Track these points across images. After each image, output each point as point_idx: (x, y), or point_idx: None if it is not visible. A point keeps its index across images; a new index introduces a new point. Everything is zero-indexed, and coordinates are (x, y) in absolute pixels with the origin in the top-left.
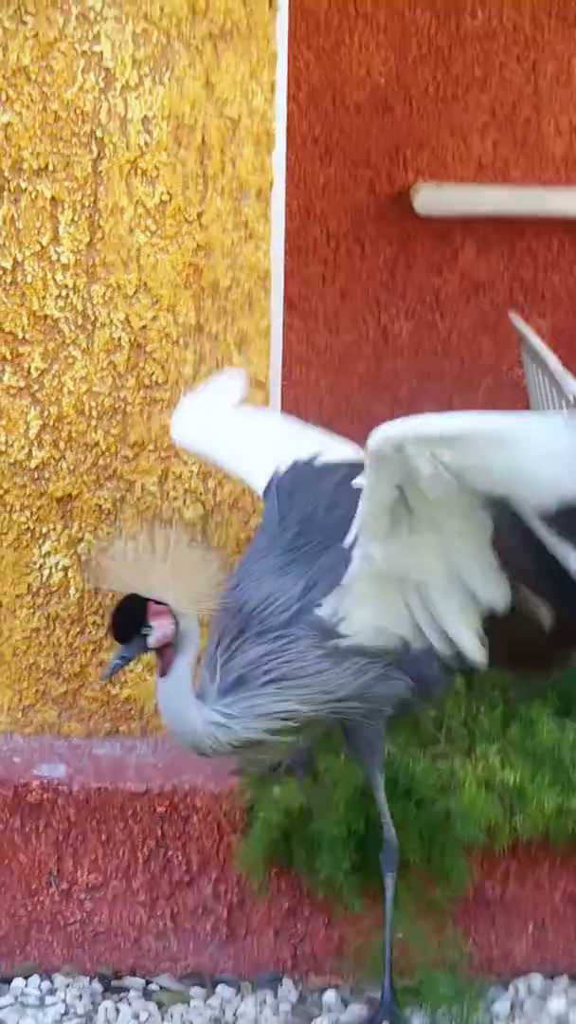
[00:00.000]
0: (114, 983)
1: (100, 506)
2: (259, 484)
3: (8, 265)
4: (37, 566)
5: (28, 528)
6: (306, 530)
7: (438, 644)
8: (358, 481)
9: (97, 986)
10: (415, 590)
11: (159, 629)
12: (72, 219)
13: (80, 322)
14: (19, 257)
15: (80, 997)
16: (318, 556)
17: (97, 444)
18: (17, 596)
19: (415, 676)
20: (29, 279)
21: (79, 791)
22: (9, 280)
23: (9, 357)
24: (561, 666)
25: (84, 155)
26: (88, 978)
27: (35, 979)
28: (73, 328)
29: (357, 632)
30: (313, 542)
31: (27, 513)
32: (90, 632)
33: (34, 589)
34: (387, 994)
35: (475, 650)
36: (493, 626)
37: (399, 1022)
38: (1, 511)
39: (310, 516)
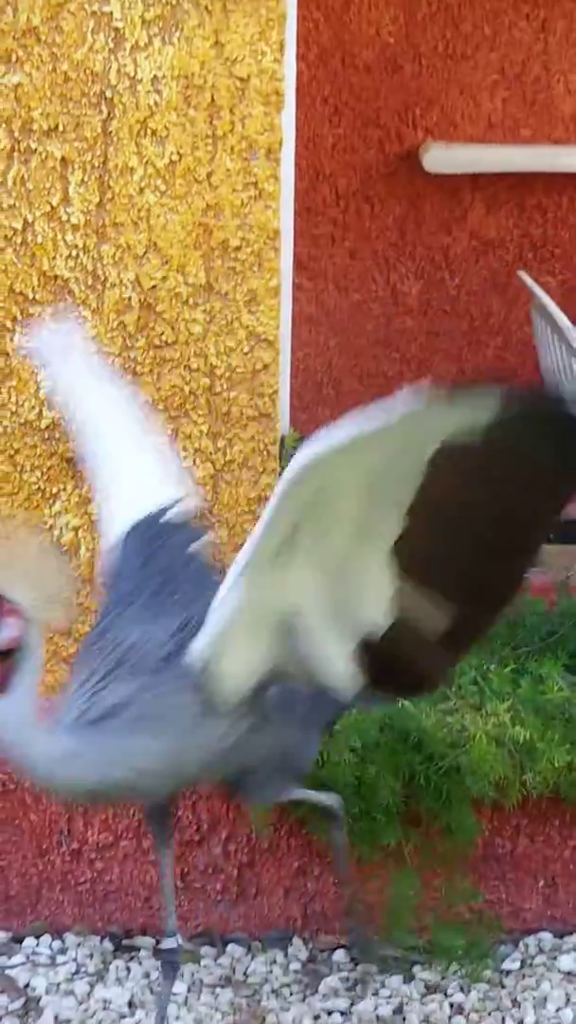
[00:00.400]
0: (125, 942)
1: None
2: (109, 530)
3: (18, 225)
4: (48, 526)
5: (39, 488)
6: (170, 580)
7: (303, 677)
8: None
9: (108, 945)
10: (289, 626)
11: (5, 629)
12: (82, 179)
13: (90, 282)
14: (29, 217)
15: (91, 956)
16: (192, 604)
17: None
18: None
19: (290, 736)
20: (39, 239)
21: None
22: (19, 240)
23: (20, 317)
24: (437, 680)
25: (94, 115)
26: (99, 937)
27: (46, 938)
28: (83, 288)
29: (233, 685)
30: (180, 592)
31: (38, 473)
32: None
33: None
34: (356, 935)
35: (346, 678)
36: (369, 649)
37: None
38: (12, 471)
39: (170, 568)
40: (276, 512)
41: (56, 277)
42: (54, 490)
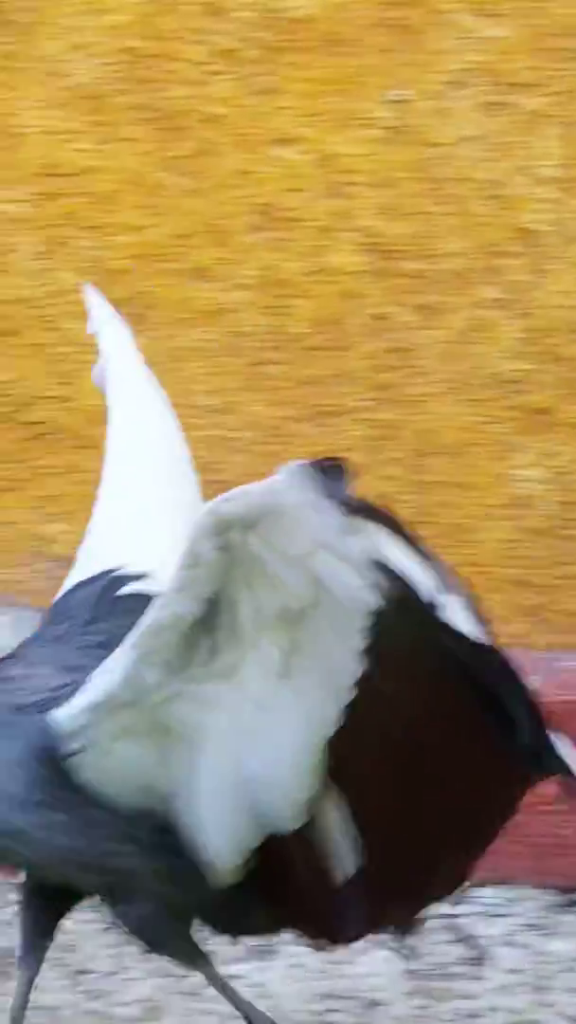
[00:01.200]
0: (573, 897)
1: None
2: (80, 565)
3: (492, 178)
4: (511, 478)
5: (503, 440)
6: (111, 644)
7: (187, 841)
8: None
9: (554, 898)
10: (179, 743)
11: None
12: (555, 134)
13: (562, 236)
14: (502, 171)
15: (537, 909)
16: None
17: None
18: (489, 507)
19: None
20: (512, 192)
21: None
22: (492, 193)
23: (491, 270)
24: (344, 933)
25: (569, 70)
26: (546, 890)
27: (495, 889)
28: (555, 242)
29: (108, 783)
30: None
31: (503, 425)
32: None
33: (508, 501)
34: None
35: (224, 869)
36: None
37: None
38: (478, 423)
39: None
40: (177, 580)
41: (528, 230)
42: (519, 442)
